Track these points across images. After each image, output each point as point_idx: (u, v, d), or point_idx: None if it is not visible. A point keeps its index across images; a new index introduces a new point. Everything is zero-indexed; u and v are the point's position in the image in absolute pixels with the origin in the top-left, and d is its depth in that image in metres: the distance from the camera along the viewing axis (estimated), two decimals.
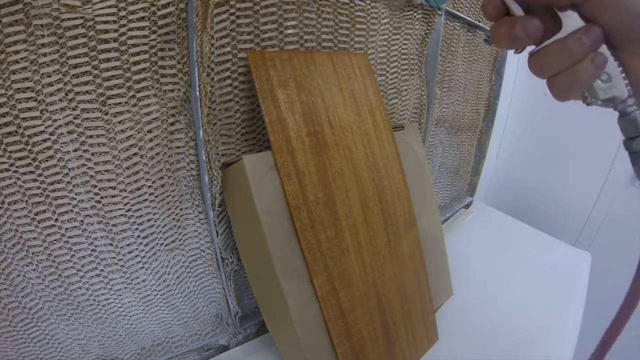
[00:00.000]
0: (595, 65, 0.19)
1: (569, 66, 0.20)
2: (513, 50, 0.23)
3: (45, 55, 0.27)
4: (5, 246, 0.30)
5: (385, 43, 0.54)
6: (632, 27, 0.18)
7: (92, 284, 0.36)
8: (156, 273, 0.40)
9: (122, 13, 0.29)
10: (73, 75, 0.29)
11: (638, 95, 0.20)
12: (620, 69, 0.20)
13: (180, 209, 0.40)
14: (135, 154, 0.34)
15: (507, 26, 0.21)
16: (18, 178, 0.29)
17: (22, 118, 0.28)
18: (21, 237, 0.31)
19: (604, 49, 0.19)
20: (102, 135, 0.32)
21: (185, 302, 0.45)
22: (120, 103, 0.32)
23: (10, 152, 0.28)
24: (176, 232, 0.40)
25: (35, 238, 0.32)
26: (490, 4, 0.22)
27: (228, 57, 0.37)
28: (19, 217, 0.30)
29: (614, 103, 0.21)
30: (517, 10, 0.21)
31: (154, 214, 0.38)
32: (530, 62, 0.22)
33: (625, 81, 0.20)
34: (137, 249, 0.38)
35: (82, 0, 0.27)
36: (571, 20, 0.20)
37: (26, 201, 0.30)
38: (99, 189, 0.33)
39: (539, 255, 0.82)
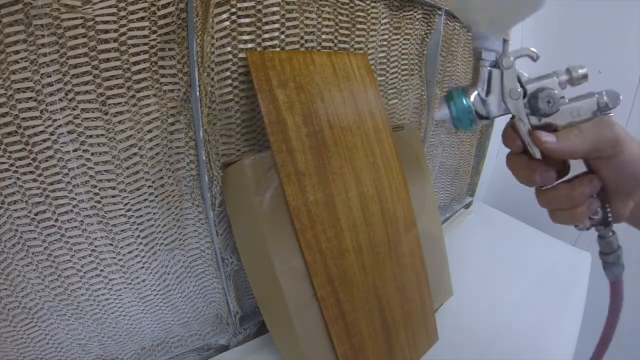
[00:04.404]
0: (590, 210, 0.24)
1: (570, 207, 0.24)
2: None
3: (45, 55, 0.27)
4: (5, 246, 0.30)
5: (385, 43, 0.54)
6: (625, 185, 0.23)
7: (92, 284, 0.36)
8: (156, 273, 0.40)
9: (122, 13, 0.29)
10: (73, 75, 0.29)
11: (615, 222, 0.25)
12: (608, 209, 0.25)
13: (180, 209, 0.40)
14: (135, 154, 0.34)
15: (527, 171, 0.24)
16: (18, 178, 0.29)
17: (22, 118, 0.28)
18: (21, 237, 0.31)
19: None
20: (102, 135, 0.32)
21: (185, 302, 0.45)
22: (120, 103, 0.32)
23: (10, 152, 0.28)
24: (176, 232, 0.40)
25: (35, 238, 0.32)
26: (512, 142, 0.24)
27: (228, 57, 0.37)
28: (19, 217, 0.30)
29: (597, 229, 0.26)
30: (536, 153, 0.24)
31: (154, 214, 0.38)
32: (540, 197, 0.25)
33: (609, 215, 0.25)
34: (137, 249, 0.38)
35: (82, 0, 0.27)
36: (577, 166, 0.24)
37: (26, 201, 0.30)
38: (99, 189, 0.33)
39: (539, 255, 0.82)
